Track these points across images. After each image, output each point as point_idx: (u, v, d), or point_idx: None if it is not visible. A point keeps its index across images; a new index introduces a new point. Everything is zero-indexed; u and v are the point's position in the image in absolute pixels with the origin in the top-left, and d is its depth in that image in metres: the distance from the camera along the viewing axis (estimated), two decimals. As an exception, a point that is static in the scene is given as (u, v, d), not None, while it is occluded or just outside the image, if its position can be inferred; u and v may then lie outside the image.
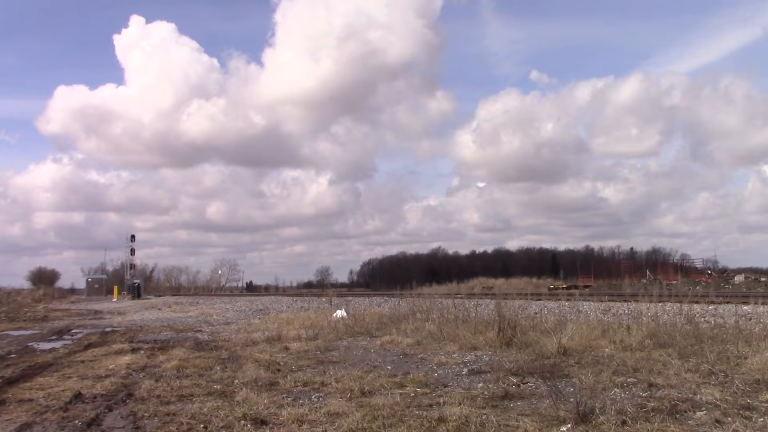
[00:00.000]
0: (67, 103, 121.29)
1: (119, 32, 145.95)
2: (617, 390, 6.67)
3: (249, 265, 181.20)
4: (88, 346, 13.34)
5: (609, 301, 18.15)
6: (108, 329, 19.15)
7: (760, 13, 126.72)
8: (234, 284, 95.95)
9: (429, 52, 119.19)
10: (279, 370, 8.82)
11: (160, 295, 64.31)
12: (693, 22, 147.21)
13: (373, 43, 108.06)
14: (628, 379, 7.16)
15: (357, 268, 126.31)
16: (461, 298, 19.12)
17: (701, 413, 5.50)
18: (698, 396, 6.11)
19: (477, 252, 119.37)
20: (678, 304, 12.03)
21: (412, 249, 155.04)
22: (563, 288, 41.14)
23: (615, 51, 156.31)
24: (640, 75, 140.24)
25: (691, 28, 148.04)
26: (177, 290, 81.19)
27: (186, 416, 5.95)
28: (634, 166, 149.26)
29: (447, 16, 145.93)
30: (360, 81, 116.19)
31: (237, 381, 7.88)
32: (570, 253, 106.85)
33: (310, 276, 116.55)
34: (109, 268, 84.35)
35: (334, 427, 5.45)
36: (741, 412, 5.49)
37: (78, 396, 7.17)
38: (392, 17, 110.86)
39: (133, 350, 12.07)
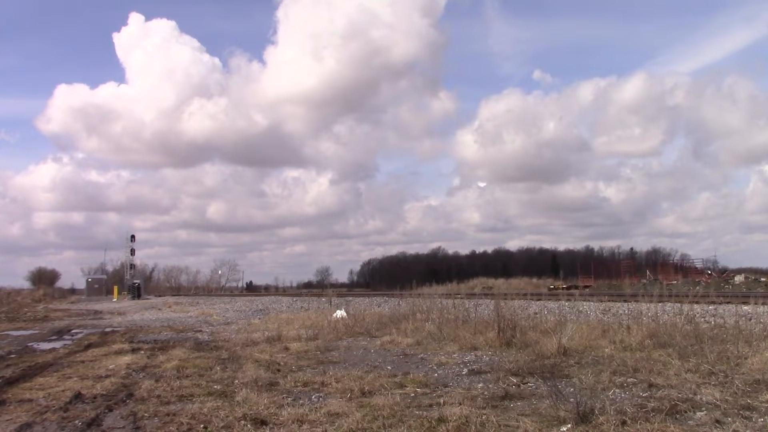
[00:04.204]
0: (67, 102, 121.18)
1: (119, 30, 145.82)
2: (617, 390, 6.67)
3: (249, 265, 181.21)
4: (88, 346, 13.34)
5: (609, 301, 18.15)
6: (108, 329, 19.15)
7: (764, 12, 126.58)
8: (234, 284, 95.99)
9: (432, 51, 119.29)
10: (279, 370, 8.83)
11: (160, 295, 64.31)
12: (696, 21, 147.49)
13: (376, 42, 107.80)
14: (628, 379, 7.16)
15: (357, 268, 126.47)
16: (461, 298, 19.11)
17: (701, 413, 5.50)
18: (698, 396, 6.11)
19: (477, 252, 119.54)
20: (678, 304, 12.04)
21: (413, 249, 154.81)
22: (563, 288, 41.06)
23: (618, 51, 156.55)
24: (644, 75, 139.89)
25: (695, 27, 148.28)
26: (177, 290, 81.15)
27: (186, 416, 5.95)
28: (636, 166, 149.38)
29: (450, 15, 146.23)
30: (362, 80, 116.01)
31: (237, 381, 7.88)
32: (570, 253, 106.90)
33: (310, 276, 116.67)
34: (109, 268, 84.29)
35: (334, 427, 5.45)
36: (741, 412, 5.49)
37: (78, 396, 7.17)
38: (396, 16, 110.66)
39: (133, 350, 12.07)
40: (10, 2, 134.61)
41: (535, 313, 14.75)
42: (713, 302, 15.04)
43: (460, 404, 5.98)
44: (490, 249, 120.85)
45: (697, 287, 29.54)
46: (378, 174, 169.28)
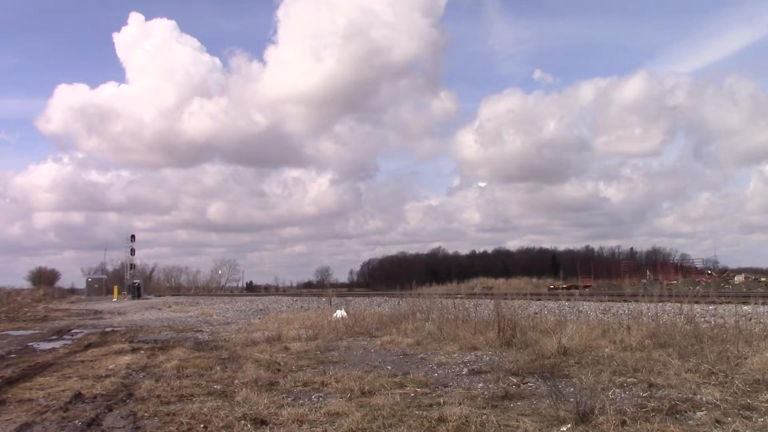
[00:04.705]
0: (67, 102, 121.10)
1: (119, 30, 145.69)
2: (617, 390, 6.68)
3: (249, 265, 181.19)
4: (88, 346, 13.34)
5: (609, 301, 18.15)
6: (108, 329, 19.16)
7: (764, 12, 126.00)
8: (234, 284, 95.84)
9: (433, 51, 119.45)
10: (279, 370, 8.83)
11: (160, 295, 64.28)
12: (697, 21, 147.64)
13: (377, 42, 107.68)
14: (628, 379, 7.16)
15: (357, 268, 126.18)
16: (461, 298, 19.12)
17: (701, 413, 5.50)
18: (698, 396, 6.11)
19: (477, 252, 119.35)
20: (678, 304, 12.03)
21: (413, 249, 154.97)
22: (563, 288, 41.04)
23: (619, 50, 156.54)
24: (644, 74, 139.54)
25: (695, 27, 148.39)
26: (177, 290, 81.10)
27: (186, 416, 5.95)
28: (636, 166, 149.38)
29: (451, 15, 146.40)
30: (363, 80, 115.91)
31: (237, 381, 7.88)
32: (570, 253, 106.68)
33: (310, 276, 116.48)
34: (109, 268, 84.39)
35: (334, 427, 5.45)
36: (741, 412, 5.50)
37: (78, 396, 7.17)
38: (396, 16, 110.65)
39: (133, 350, 12.07)
40: (10, 2, 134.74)
41: (535, 313, 14.74)
42: (713, 302, 15.04)
43: (460, 404, 5.99)
44: (490, 249, 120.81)
45: (697, 287, 29.57)
46: (378, 174, 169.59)
